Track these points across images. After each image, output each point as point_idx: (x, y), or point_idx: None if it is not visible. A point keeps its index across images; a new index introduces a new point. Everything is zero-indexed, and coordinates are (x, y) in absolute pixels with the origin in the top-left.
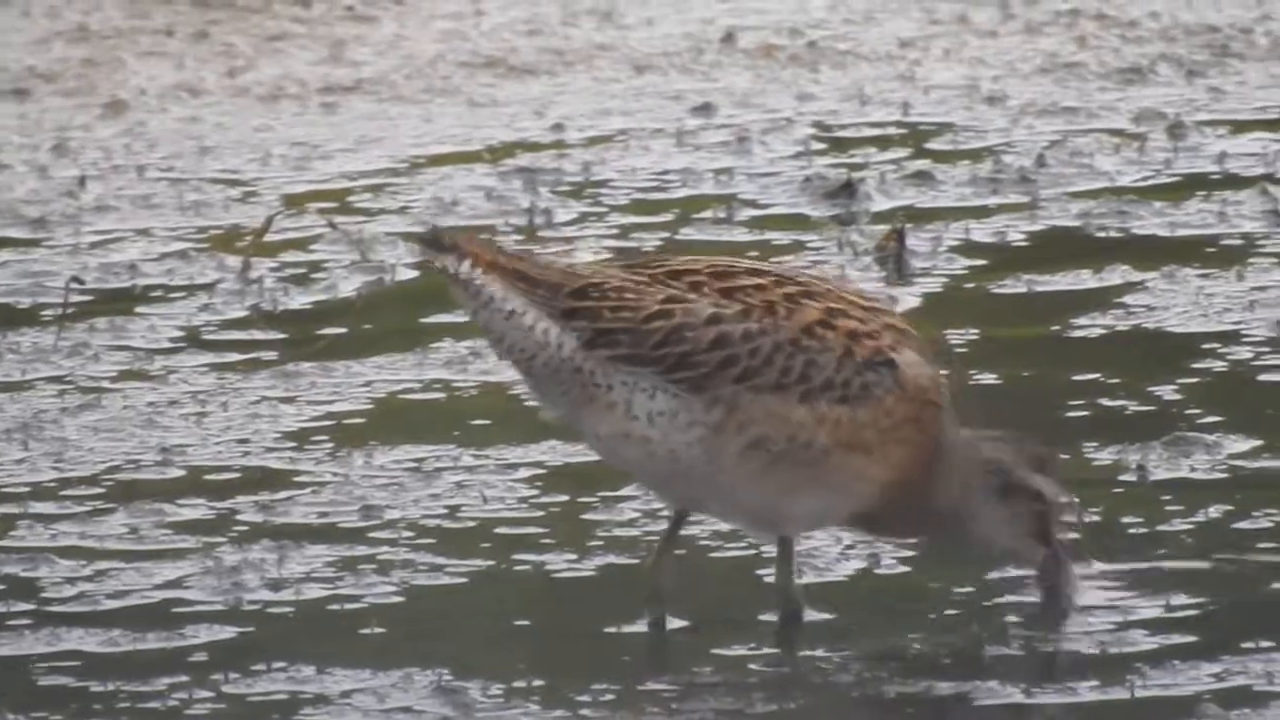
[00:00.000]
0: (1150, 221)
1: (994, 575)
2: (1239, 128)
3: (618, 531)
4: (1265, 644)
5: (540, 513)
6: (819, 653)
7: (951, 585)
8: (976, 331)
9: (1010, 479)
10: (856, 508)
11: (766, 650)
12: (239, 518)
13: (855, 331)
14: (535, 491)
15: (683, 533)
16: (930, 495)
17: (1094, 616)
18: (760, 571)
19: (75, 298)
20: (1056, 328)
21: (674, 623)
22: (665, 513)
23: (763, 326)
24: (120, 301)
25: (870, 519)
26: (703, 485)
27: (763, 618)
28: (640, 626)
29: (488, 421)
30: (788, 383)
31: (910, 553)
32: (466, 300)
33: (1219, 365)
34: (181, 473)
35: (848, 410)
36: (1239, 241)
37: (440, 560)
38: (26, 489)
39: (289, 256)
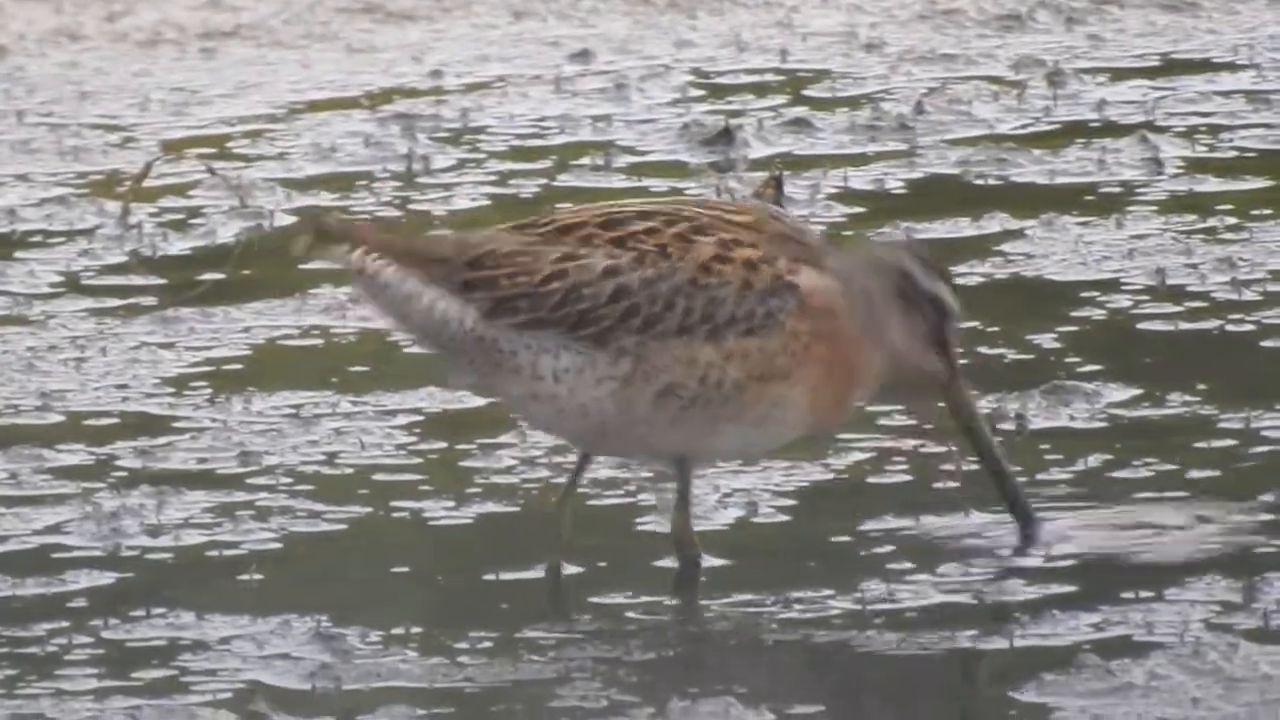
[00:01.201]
0: (1029, 169)
1: (872, 525)
2: (1118, 75)
3: (496, 479)
4: (1145, 594)
5: (418, 459)
6: (697, 601)
7: (831, 534)
8: None
9: (914, 287)
10: (791, 431)
11: (645, 598)
12: (118, 463)
13: (751, 260)
14: (413, 438)
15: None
16: (870, 368)
17: (972, 566)
18: (639, 520)
19: None
20: None
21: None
22: (548, 459)
23: (659, 271)
24: (0, 246)
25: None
26: (621, 437)
27: (642, 564)
28: (520, 574)
29: (366, 368)
30: (691, 323)
31: (790, 501)
32: (363, 287)
33: (1098, 314)
34: (61, 418)
35: (756, 341)
36: (1118, 190)
37: (319, 507)
38: None
39: (168, 202)
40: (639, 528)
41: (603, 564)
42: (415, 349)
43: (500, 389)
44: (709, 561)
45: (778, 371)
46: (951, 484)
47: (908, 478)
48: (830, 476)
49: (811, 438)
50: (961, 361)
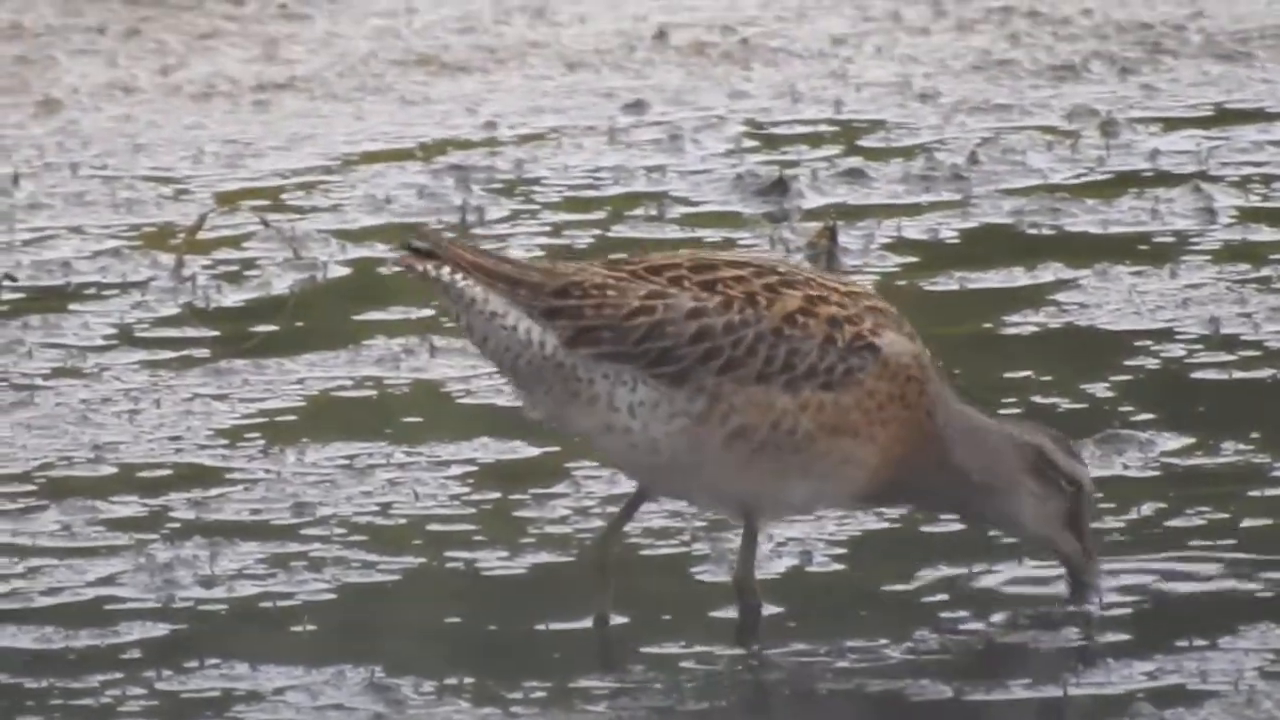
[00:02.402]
0: (1083, 219)
1: (925, 573)
2: (1171, 125)
3: (549, 529)
4: (1199, 642)
5: (472, 510)
6: (752, 650)
7: (884, 583)
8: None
9: (1046, 458)
10: (852, 489)
11: (699, 647)
12: (171, 515)
13: (836, 317)
14: (467, 489)
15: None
16: (939, 469)
17: (1025, 615)
18: (694, 570)
19: (8, 295)
20: (989, 325)
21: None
22: (601, 509)
23: (744, 318)
24: (54, 299)
25: (887, 497)
26: (689, 477)
27: (696, 614)
28: (573, 624)
29: (419, 419)
30: (771, 372)
31: (844, 550)
32: (449, 304)
33: (1152, 363)
34: (114, 470)
35: (831, 395)
36: (1171, 239)
37: (372, 557)
38: None
39: (222, 254)
40: (694, 577)
41: (657, 613)
42: (469, 400)
43: (574, 420)
44: (764, 610)
45: (849, 427)
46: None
47: (960, 526)
48: (884, 526)
49: (868, 504)
50: (1094, 538)
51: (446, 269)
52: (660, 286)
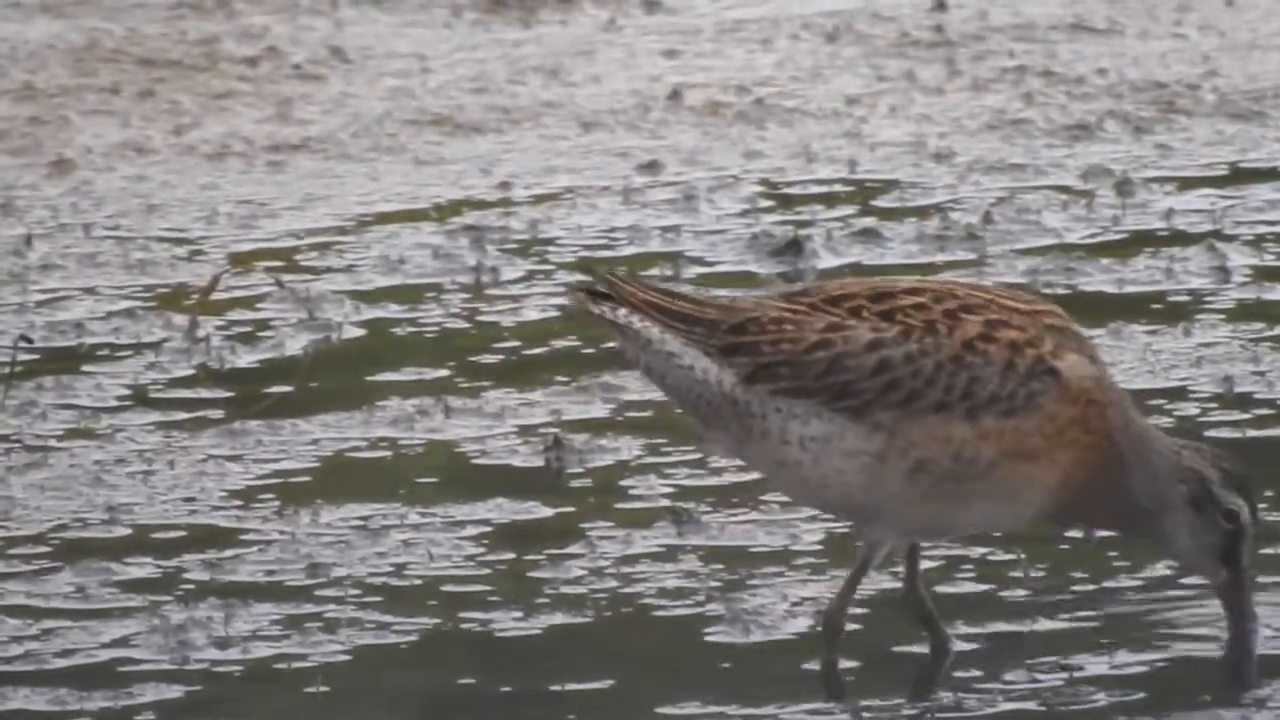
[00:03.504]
0: (1098, 278)
1: (947, 631)
2: (1186, 184)
3: (565, 589)
4: (1208, 698)
5: (487, 571)
6: (765, 710)
7: (900, 642)
8: None
9: (1207, 490)
10: (1032, 511)
11: (713, 708)
12: (186, 576)
13: (1016, 342)
14: (482, 549)
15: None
16: (1112, 490)
17: (1041, 673)
18: (708, 630)
19: (22, 356)
20: None
21: (628, 676)
22: (616, 569)
23: (924, 347)
24: (67, 360)
25: (1061, 516)
26: (865, 509)
27: (711, 673)
28: (589, 684)
29: (434, 479)
30: (951, 400)
31: (859, 609)
32: (624, 344)
33: (1166, 421)
34: (128, 531)
35: (1013, 422)
36: (1186, 298)
37: (387, 619)
38: None
39: (236, 315)
40: (707, 638)
41: (671, 674)
42: (484, 460)
43: (750, 455)
44: (779, 670)
45: (1029, 451)
46: (1020, 592)
47: (976, 586)
48: (899, 585)
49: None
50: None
51: (622, 310)
52: (839, 319)
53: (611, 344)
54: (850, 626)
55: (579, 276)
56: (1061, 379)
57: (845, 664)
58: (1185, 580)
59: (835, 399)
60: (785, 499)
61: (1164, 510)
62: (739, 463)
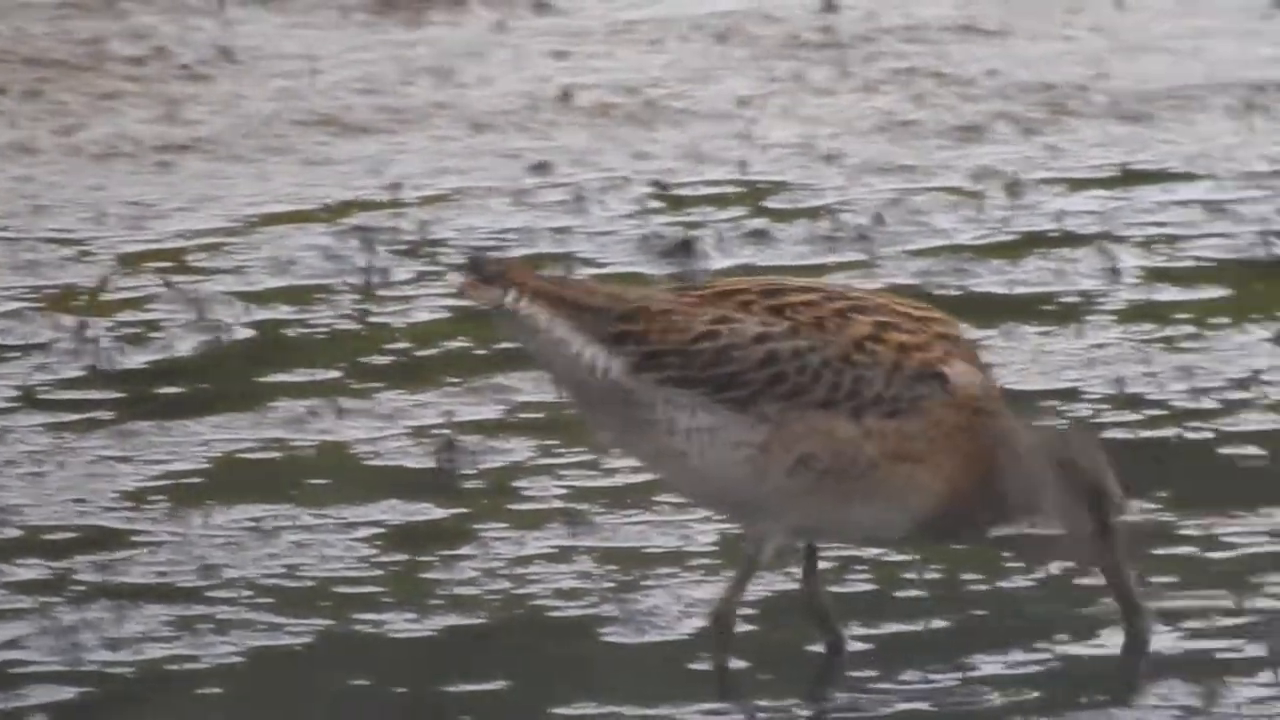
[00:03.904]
0: (988, 279)
1: (842, 631)
2: (1076, 185)
3: (457, 590)
4: (1102, 698)
5: (379, 572)
6: (659, 710)
7: (794, 643)
8: None
9: (1080, 473)
10: (918, 515)
11: (609, 708)
12: (76, 577)
13: (905, 344)
14: (374, 551)
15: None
16: (993, 497)
17: (935, 673)
18: (603, 631)
19: None
20: None
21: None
22: (509, 570)
23: (811, 343)
24: None
25: (942, 527)
26: (747, 503)
27: (604, 675)
28: (481, 685)
29: (326, 480)
30: (836, 399)
31: (753, 610)
32: (513, 331)
33: (1057, 423)
34: (18, 532)
35: (895, 423)
36: (1077, 299)
37: (279, 620)
38: None
39: (125, 316)
40: (602, 639)
41: (565, 676)
42: (376, 462)
43: (635, 445)
44: (673, 670)
45: (912, 454)
46: (914, 592)
47: (871, 585)
48: (794, 586)
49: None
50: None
51: (510, 295)
52: (728, 311)
53: (504, 344)
54: (745, 627)
55: (467, 262)
56: (948, 385)
57: (739, 664)
58: (1080, 580)
59: (721, 390)
60: (678, 500)
61: (1041, 501)
62: (632, 463)
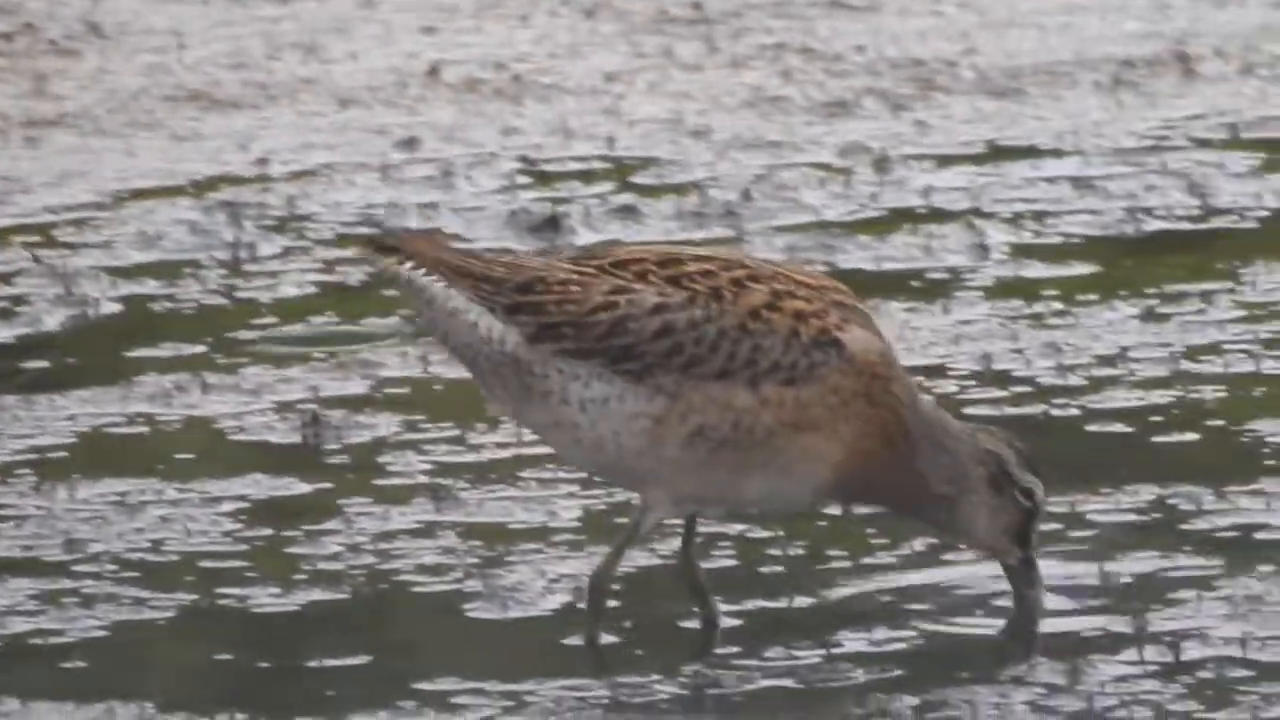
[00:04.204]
0: (856, 255)
1: (716, 606)
2: (944, 161)
3: (322, 566)
4: (966, 675)
5: (244, 547)
6: (523, 685)
7: (658, 619)
8: None
9: (1004, 470)
10: (813, 485)
11: (472, 684)
12: None
13: (801, 312)
14: (239, 525)
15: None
16: (902, 469)
17: (799, 650)
18: (467, 607)
19: None
20: None
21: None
22: (374, 545)
23: (708, 313)
24: None
25: (846, 494)
26: (641, 473)
27: (470, 650)
28: (345, 660)
29: (192, 455)
30: (733, 368)
31: (616, 585)
32: (411, 300)
33: (924, 399)
34: None
35: (793, 391)
36: (945, 275)
37: (144, 594)
38: None
39: None
40: (466, 614)
41: (429, 651)
42: (241, 436)
43: (528, 415)
44: (538, 646)
45: (810, 422)
46: (779, 568)
47: (735, 562)
48: (657, 562)
49: (824, 502)
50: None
51: (409, 264)
52: (625, 282)
53: (371, 319)
54: (612, 602)
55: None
56: (845, 351)
57: (606, 639)
58: (944, 556)
59: (617, 361)
60: (543, 475)
61: (962, 494)
62: (499, 439)
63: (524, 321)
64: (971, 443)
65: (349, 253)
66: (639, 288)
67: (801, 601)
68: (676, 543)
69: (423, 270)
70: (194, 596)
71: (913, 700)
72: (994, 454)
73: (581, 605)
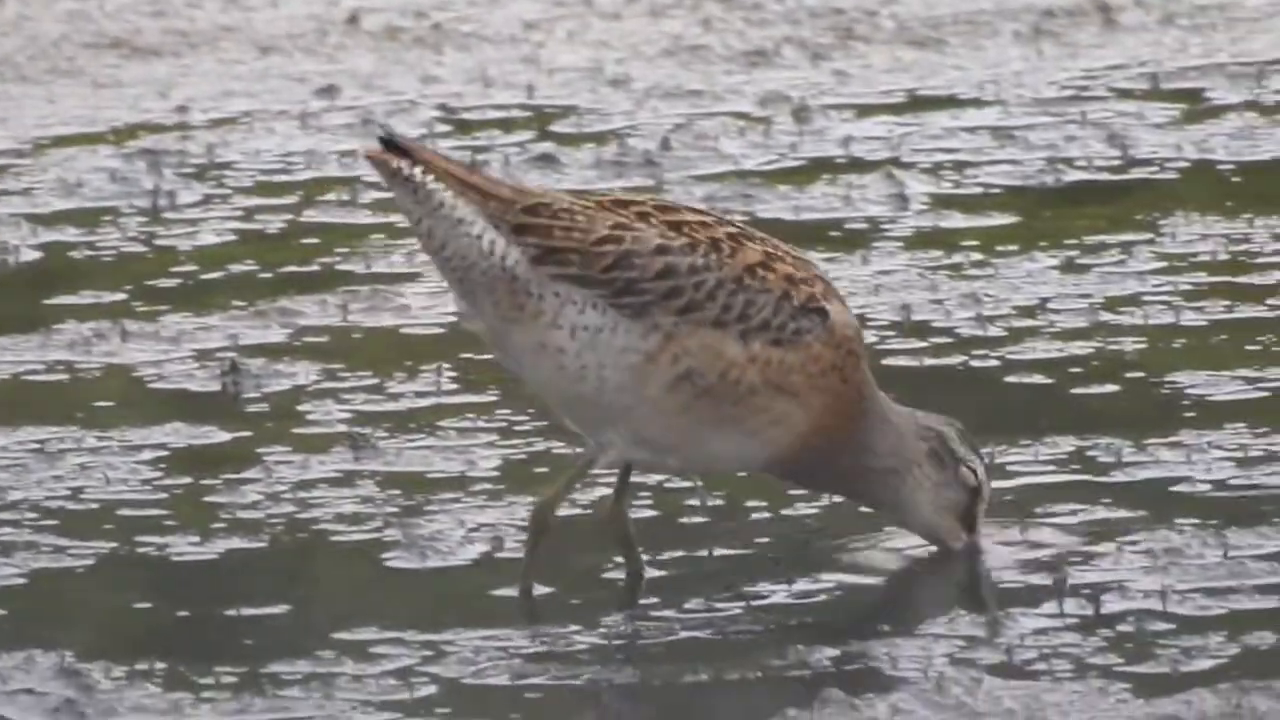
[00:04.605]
0: (775, 205)
1: (618, 559)
2: (864, 111)
3: (241, 514)
4: (887, 628)
5: (164, 495)
6: (442, 635)
7: (575, 569)
8: None
9: (947, 446)
10: (776, 452)
11: (392, 633)
12: None
13: (792, 276)
14: (159, 474)
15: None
16: (853, 448)
17: (719, 601)
18: (386, 556)
19: None
20: None
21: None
22: (293, 494)
23: (708, 262)
24: None
25: (795, 468)
26: (621, 409)
27: (392, 599)
28: (264, 609)
29: (111, 403)
30: (728, 319)
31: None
32: (414, 205)
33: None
34: None
35: (779, 352)
36: (864, 225)
37: (63, 542)
38: None
39: None
40: (385, 563)
41: (348, 599)
42: (160, 385)
43: (510, 335)
44: (456, 595)
45: (789, 387)
46: (698, 519)
47: (655, 513)
48: (575, 512)
49: (772, 470)
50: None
51: (419, 169)
52: (627, 219)
53: (290, 268)
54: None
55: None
56: (828, 322)
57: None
58: (862, 510)
59: (619, 295)
60: (461, 425)
61: (907, 469)
62: (418, 388)
63: (530, 243)
64: (912, 418)
65: (361, 151)
66: (641, 227)
67: (721, 553)
68: (602, 493)
69: (433, 177)
70: (113, 544)
71: (833, 652)
72: (935, 430)
73: (500, 554)
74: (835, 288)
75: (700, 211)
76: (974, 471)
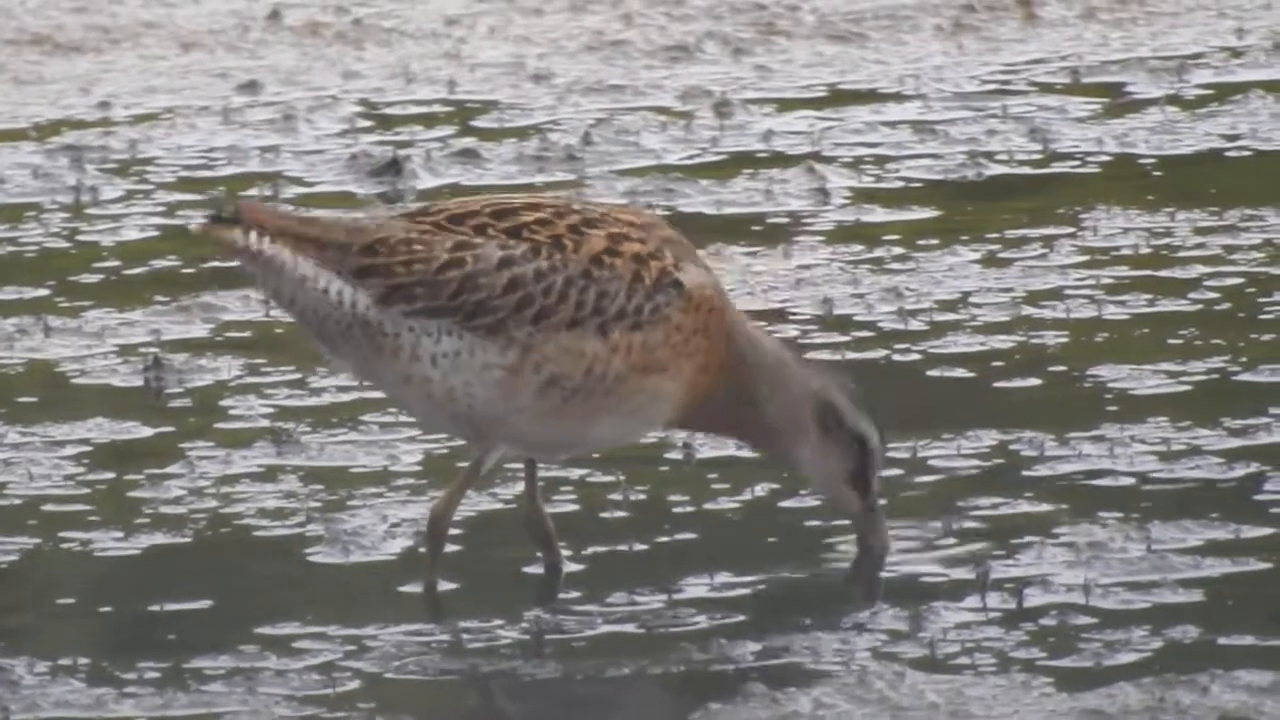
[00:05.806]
0: (697, 199)
1: (560, 552)
2: (785, 106)
3: (164, 509)
4: (810, 622)
5: (86, 490)
6: (365, 630)
7: (500, 563)
8: None
9: (836, 418)
10: (657, 423)
11: (314, 628)
12: None
13: (640, 255)
14: (82, 469)
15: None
16: (742, 397)
17: (641, 595)
18: (308, 551)
19: None
20: None
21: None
22: (216, 490)
23: (553, 263)
24: None
25: (692, 426)
26: (497, 420)
27: (311, 595)
28: (187, 604)
29: (34, 399)
30: (583, 316)
31: (458, 530)
32: (257, 270)
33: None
34: None
35: (641, 335)
36: (785, 219)
37: None
38: None
39: None
40: (307, 559)
41: (270, 594)
42: (83, 380)
43: (376, 374)
44: (379, 590)
45: (657, 364)
46: (620, 513)
47: (576, 507)
48: (499, 506)
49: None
50: (881, 501)
51: (254, 235)
52: (466, 237)
53: (212, 263)
54: (455, 546)
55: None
56: (684, 290)
57: (449, 585)
58: (784, 503)
59: (469, 318)
60: (384, 420)
61: (797, 432)
62: (340, 383)
63: (373, 284)
64: (805, 383)
65: (191, 229)
66: (479, 242)
67: (643, 546)
68: (520, 488)
69: (268, 239)
70: (37, 540)
71: (755, 646)
72: (822, 397)
73: (422, 549)
74: (686, 245)
75: (537, 207)
76: (863, 438)
